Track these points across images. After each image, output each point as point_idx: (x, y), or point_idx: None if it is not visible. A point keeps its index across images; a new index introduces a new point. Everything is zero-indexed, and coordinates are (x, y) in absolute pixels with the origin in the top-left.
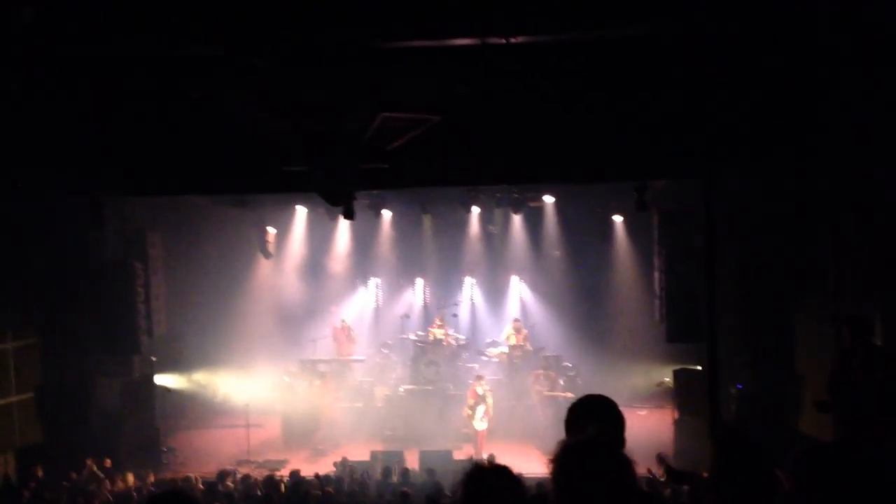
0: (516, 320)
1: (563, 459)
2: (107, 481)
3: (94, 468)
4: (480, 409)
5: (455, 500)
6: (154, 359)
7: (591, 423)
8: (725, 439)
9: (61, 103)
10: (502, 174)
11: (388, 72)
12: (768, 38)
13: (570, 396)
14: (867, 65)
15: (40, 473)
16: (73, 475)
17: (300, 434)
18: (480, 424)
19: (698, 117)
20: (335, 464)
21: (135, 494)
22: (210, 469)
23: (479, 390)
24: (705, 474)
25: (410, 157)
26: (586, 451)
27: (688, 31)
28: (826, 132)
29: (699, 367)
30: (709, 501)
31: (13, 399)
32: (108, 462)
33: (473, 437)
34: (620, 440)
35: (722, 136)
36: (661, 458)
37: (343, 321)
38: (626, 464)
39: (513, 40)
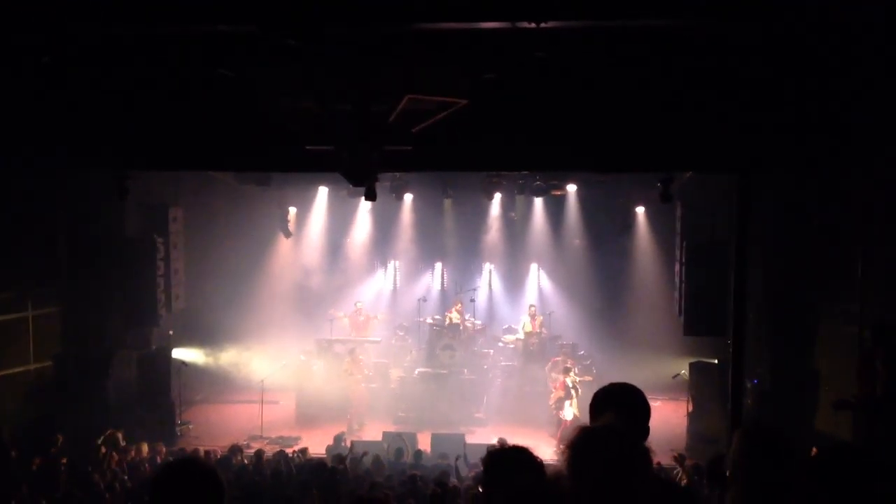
0: (531, 306)
1: (578, 446)
2: (119, 453)
3: (110, 438)
4: (568, 404)
5: (475, 480)
6: (171, 332)
7: (616, 410)
8: (752, 431)
9: (90, 78)
10: (527, 160)
11: (416, 54)
12: (804, 34)
13: (589, 381)
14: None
15: (60, 440)
16: (91, 446)
17: (314, 412)
18: (569, 413)
19: (734, 110)
20: (331, 441)
21: (147, 466)
22: (224, 443)
23: (569, 382)
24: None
25: (435, 140)
26: (602, 439)
27: (722, 26)
28: (858, 132)
29: (715, 361)
30: (732, 492)
31: (32, 367)
32: (122, 433)
33: (557, 424)
34: (644, 429)
35: (758, 130)
36: (680, 458)
37: (357, 305)
38: (642, 452)
39: (543, 25)
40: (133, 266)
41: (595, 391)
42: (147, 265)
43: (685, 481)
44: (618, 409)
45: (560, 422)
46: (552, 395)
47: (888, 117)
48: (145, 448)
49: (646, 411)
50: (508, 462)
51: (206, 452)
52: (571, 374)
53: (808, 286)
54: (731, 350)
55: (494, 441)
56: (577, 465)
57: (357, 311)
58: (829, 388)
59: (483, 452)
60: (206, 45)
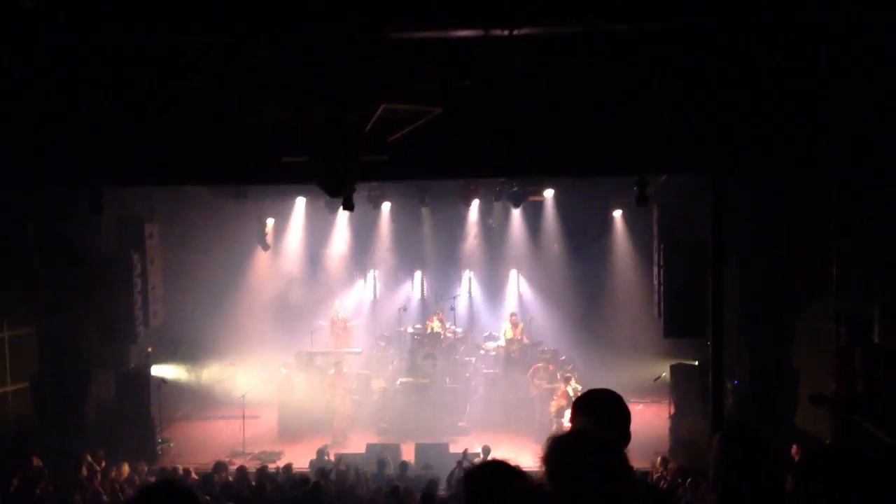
0: (513, 314)
1: (551, 455)
2: (100, 473)
3: (90, 459)
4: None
5: (456, 499)
6: (150, 349)
7: (595, 417)
8: (731, 434)
9: (62, 92)
10: (504, 167)
11: (390, 63)
12: (777, 36)
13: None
14: (872, 67)
15: (38, 463)
16: (71, 467)
17: (297, 426)
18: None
19: (708, 112)
20: (314, 455)
21: (127, 486)
22: (206, 460)
23: (570, 391)
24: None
25: (412, 148)
26: (573, 445)
27: (694, 29)
28: (832, 132)
29: (696, 363)
30: (714, 495)
31: (9, 388)
32: (102, 453)
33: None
34: (625, 434)
35: (732, 132)
36: (664, 461)
37: (337, 313)
38: (616, 455)
39: (516, 32)
40: (109, 283)
41: (576, 398)
42: (123, 282)
43: (667, 484)
44: (597, 415)
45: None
46: (553, 404)
47: (860, 118)
48: (126, 467)
49: (625, 416)
50: (488, 478)
51: (186, 471)
52: (572, 381)
53: (785, 285)
54: (710, 351)
55: (478, 449)
56: (553, 474)
57: (337, 318)
58: (808, 386)
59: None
60: (179, 58)
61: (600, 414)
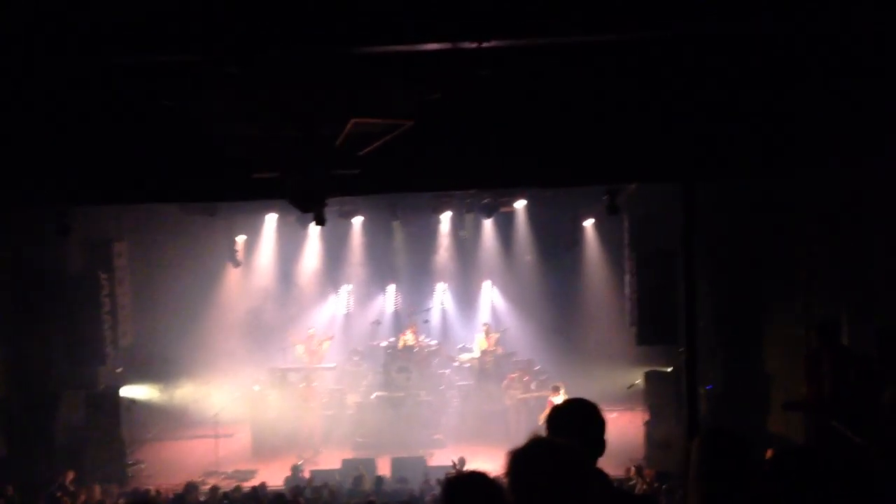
0: (485, 324)
1: (510, 468)
2: (71, 496)
3: (60, 482)
4: None
5: None
6: (119, 370)
7: (568, 427)
8: (710, 438)
9: (24, 111)
10: (475, 179)
11: (359, 77)
12: (745, 45)
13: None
14: (835, 77)
15: (11, 491)
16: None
17: (271, 444)
18: None
19: (677, 120)
20: (289, 471)
21: None
22: (178, 481)
23: (559, 401)
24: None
25: (382, 162)
26: (530, 457)
27: (663, 39)
28: (797, 141)
29: (669, 370)
30: (692, 498)
31: None
32: (71, 476)
33: None
34: (600, 443)
35: (701, 140)
36: (639, 469)
37: (310, 332)
38: (578, 462)
39: (485, 44)
40: (77, 304)
41: (552, 407)
42: (92, 303)
43: (644, 491)
44: (570, 427)
45: None
46: (542, 415)
47: (828, 125)
48: (97, 490)
49: (599, 426)
50: (468, 488)
51: (158, 492)
52: (561, 391)
53: (756, 290)
54: (684, 357)
55: (455, 460)
56: (513, 485)
57: (310, 337)
58: (780, 390)
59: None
60: (145, 76)
61: (574, 425)
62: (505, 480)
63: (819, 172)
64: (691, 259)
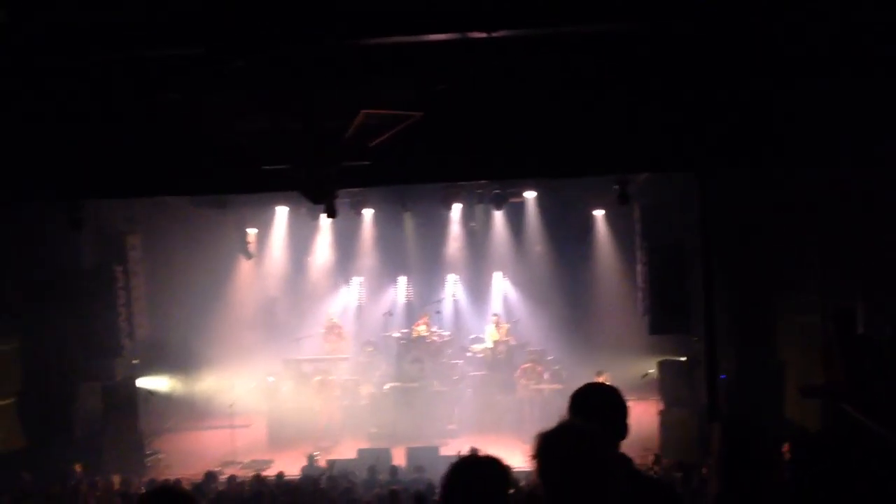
0: (495, 315)
1: (539, 450)
2: (89, 486)
3: (79, 472)
4: None
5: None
6: (136, 361)
7: (589, 412)
8: (731, 424)
9: (38, 106)
10: (485, 169)
11: (368, 69)
12: (756, 36)
13: (559, 388)
14: (848, 66)
15: (27, 478)
16: (57, 484)
17: (286, 434)
18: None
19: (691, 110)
20: (305, 463)
21: (117, 499)
22: (195, 471)
23: None
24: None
25: (392, 154)
26: (558, 438)
27: (671, 29)
28: (811, 128)
29: (683, 359)
30: (713, 485)
31: None
32: (79, 468)
33: None
34: (622, 428)
35: (716, 129)
36: (657, 458)
37: (332, 319)
38: (604, 444)
39: (494, 34)
40: (92, 297)
41: (573, 393)
42: (107, 295)
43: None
44: (592, 410)
45: None
46: None
47: (839, 111)
48: (116, 480)
49: (622, 410)
50: (468, 471)
51: (177, 481)
52: (605, 376)
53: (768, 278)
54: (704, 346)
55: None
56: (542, 468)
57: (332, 325)
58: (794, 378)
59: None
60: (155, 70)
61: (597, 410)
62: (533, 463)
63: (833, 159)
64: (708, 247)
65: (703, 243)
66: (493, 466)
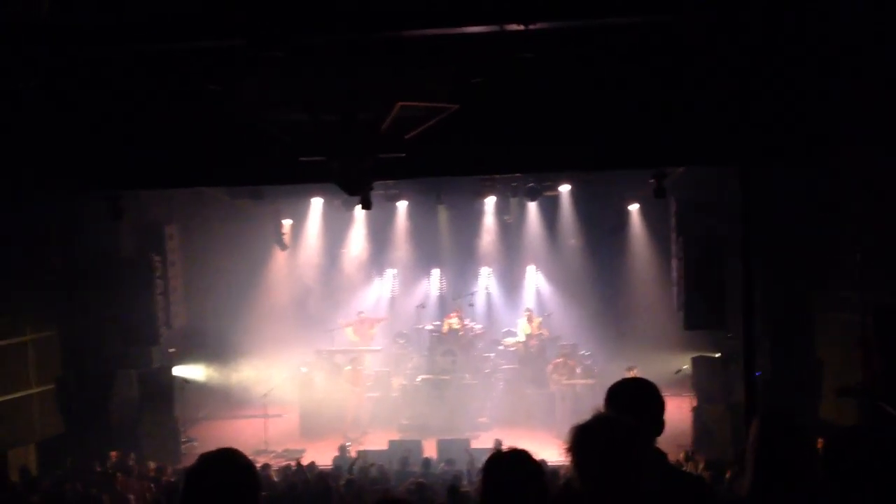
0: (527, 309)
1: (573, 443)
2: (126, 472)
3: (116, 458)
4: None
5: (477, 488)
6: (172, 350)
7: (626, 405)
8: (770, 419)
9: (77, 98)
10: (520, 162)
11: (405, 61)
12: (801, 30)
13: (591, 383)
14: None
15: (69, 463)
16: (97, 467)
17: (318, 424)
18: None
19: (735, 101)
20: (336, 454)
21: (153, 485)
22: None
23: None
24: None
25: (428, 146)
26: (592, 430)
27: (713, 20)
28: (853, 123)
29: (717, 355)
30: (746, 479)
31: (33, 391)
32: (115, 456)
33: None
34: (658, 423)
35: (760, 121)
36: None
37: (364, 313)
38: (637, 435)
39: (532, 27)
40: (131, 285)
41: (610, 386)
42: (145, 284)
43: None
44: (628, 404)
45: None
46: None
47: (882, 107)
48: (152, 466)
49: (659, 404)
50: (505, 465)
51: None
52: (635, 371)
53: (807, 275)
54: (742, 342)
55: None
56: (577, 460)
57: (362, 321)
58: (831, 376)
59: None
60: (193, 61)
61: (634, 404)
62: (568, 456)
63: (872, 154)
64: (748, 243)
65: (743, 238)
66: (528, 461)
